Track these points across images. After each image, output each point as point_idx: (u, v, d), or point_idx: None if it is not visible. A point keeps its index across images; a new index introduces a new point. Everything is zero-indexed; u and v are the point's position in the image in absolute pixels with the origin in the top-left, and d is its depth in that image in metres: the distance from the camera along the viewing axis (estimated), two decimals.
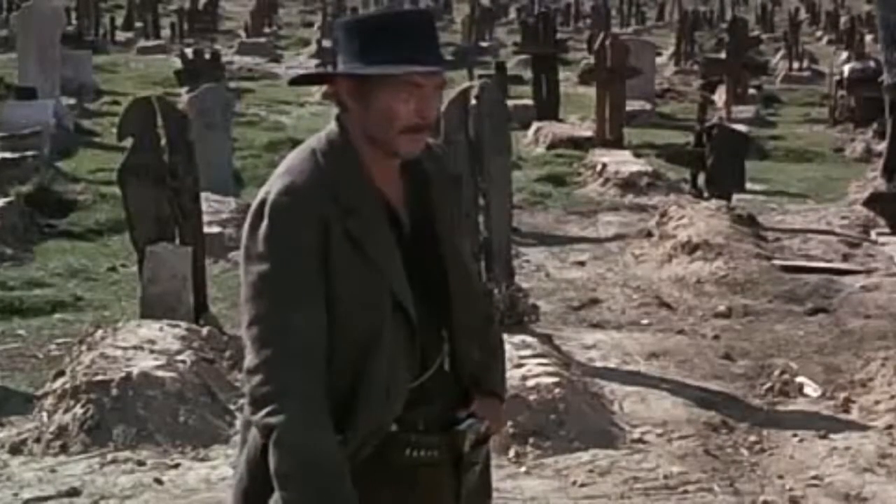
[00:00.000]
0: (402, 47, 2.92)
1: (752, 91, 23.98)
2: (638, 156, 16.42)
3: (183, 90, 18.26)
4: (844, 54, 28.54)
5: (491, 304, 3.49)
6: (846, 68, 20.91)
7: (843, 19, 41.17)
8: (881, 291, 10.31)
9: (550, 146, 17.83)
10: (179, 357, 7.41)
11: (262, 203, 2.91)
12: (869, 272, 10.98)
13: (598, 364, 8.39)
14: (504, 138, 8.95)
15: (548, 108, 19.60)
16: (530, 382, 7.12)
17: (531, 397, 6.99)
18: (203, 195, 9.39)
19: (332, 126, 3.02)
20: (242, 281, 2.93)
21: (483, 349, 3.20)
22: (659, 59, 29.71)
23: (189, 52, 20.99)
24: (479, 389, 3.16)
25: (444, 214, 3.11)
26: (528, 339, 7.96)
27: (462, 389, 3.12)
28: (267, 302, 2.87)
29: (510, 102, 20.91)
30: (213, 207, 11.48)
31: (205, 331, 8.03)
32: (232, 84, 22.52)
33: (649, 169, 15.27)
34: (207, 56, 19.73)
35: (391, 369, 2.93)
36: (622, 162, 15.64)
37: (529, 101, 20.29)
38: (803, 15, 46.89)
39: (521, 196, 13.43)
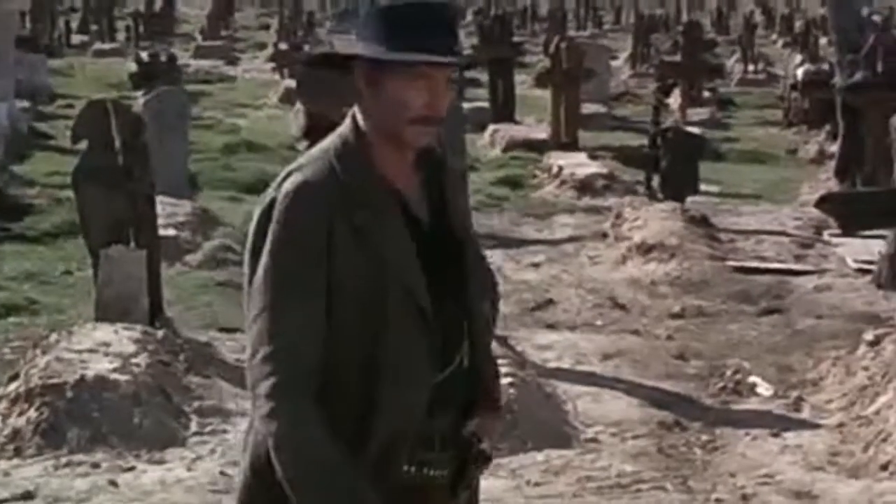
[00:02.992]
0: (420, 37, 2.90)
1: (707, 94, 24.15)
2: (593, 158, 16.51)
3: (139, 93, 18.20)
4: (799, 57, 28.75)
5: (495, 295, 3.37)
6: (800, 71, 21.07)
7: (797, 23, 41.46)
8: (833, 292, 10.41)
9: (506, 148, 17.91)
10: (134, 360, 7.39)
11: (272, 201, 2.91)
12: (821, 273, 11.08)
13: (553, 365, 8.44)
14: (459, 140, 8.99)
15: (504, 110, 19.68)
16: None
17: None
18: (158, 198, 9.37)
19: (346, 121, 3.00)
20: (246, 277, 2.93)
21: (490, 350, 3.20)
22: (615, 62, 29.90)
23: (144, 55, 20.91)
24: (483, 397, 3.10)
25: (458, 207, 3.10)
26: None
27: (477, 389, 3.08)
28: (269, 300, 2.87)
29: (466, 105, 21.03)
30: (169, 210, 11.44)
31: (160, 333, 8.02)
32: (188, 87, 22.44)
33: (605, 171, 15.37)
34: (163, 59, 19.65)
35: (405, 361, 2.90)
36: (578, 164, 15.72)
37: (485, 104, 20.35)
38: (759, 18, 47.20)
39: (477, 198, 13.47)
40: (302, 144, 17.40)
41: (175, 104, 13.73)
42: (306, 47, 22.41)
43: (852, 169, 13.80)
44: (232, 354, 8.34)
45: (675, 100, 21.68)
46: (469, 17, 46.21)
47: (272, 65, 28.95)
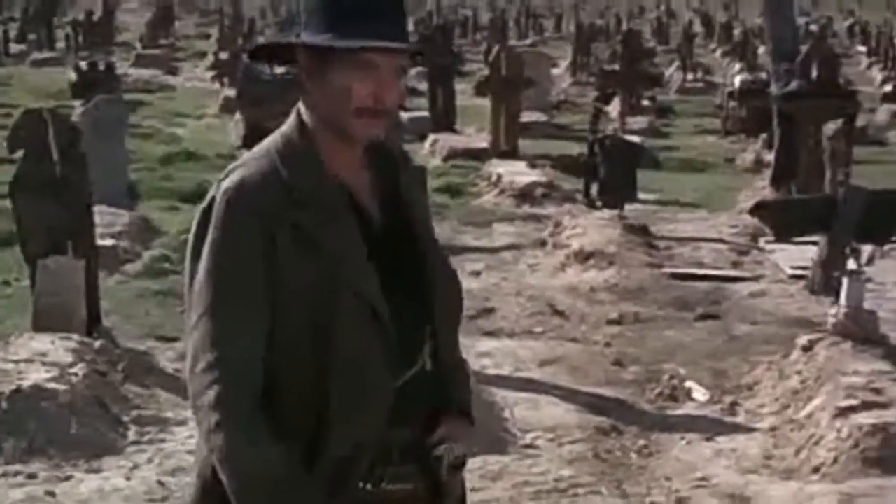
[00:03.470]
0: (365, 24, 2.76)
1: (646, 102, 24.32)
2: (533, 166, 16.60)
3: (77, 102, 18.12)
4: (737, 66, 29.04)
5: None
6: (737, 80, 21.29)
7: (736, 31, 41.83)
8: (768, 298, 10.54)
9: (447, 157, 17.96)
10: (72, 370, 7.38)
11: (211, 201, 2.76)
12: (756, 279, 11.21)
13: (492, 371, 8.49)
14: (396, 146, 9.01)
15: (444, 119, 19.75)
16: None
17: None
18: (97, 208, 9.36)
19: (291, 117, 2.85)
20: (186, 282, 2.80)
21: (456, 352, 3.00)
22: (555, 71, 30.06)
23: (83, 64, 20.83)
24: (448, 408, 2.91)
25: (416, 205, 2.95)
26: None
27: (440, 396, 2.89)
28: (207, 306, 2.73)
29: (407, 114, 21.09)
30: (108, 220, 11.41)
31: (97, 343, 8.00)
32: (128, 96, 22.36)
33: (544, 179, 15.46)
34: (102, 68, 19.58)
35: (360, 366, 2.74)
36: (517, 172, 15.80)
37: (426, 113, 20.42)
38: (698, 27, 47.62)
39: None
40: (241, 153, 17.41)
41: (113, 113, 13.70)
42: (246, 56, 22.33)
43: (788, 177, 13.96)
44: (170, 364, 8.35)
45: (614, 108, 21.82)
46: (411, 27, 46.35)
47: (212, 74, 28.89)
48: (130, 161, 15.22)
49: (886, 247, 11.57)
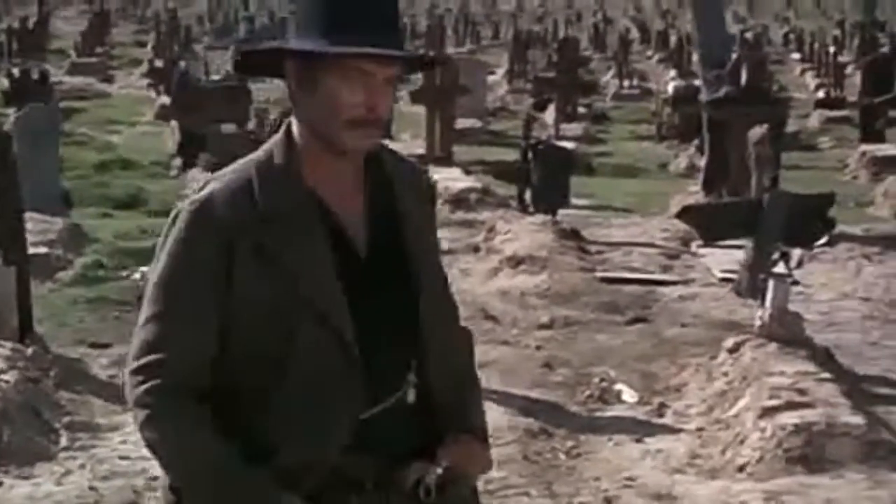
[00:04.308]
0: (358, 31, 2.63)
1: (582, 109, 24.51)
2: (468, 173, 16.71)
3: (10, 110, 18.04)
4: (672, 73, 29.33)
5: (468, 333, 2.96)
6: (671, 86, 21.51)
7: (672, 39, 42.17)
8: (697, 301, 10.67)
9: None
10: (3, 376, 7.38)
11: (177, 213, 2.71)
12: (687, 283, 11.35)
13: None
14: None
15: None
16: None
17: None
18: (29, 215, 9.35)
19: (280, 130, 2.75)
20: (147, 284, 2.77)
21: (458, 382, 2.85)
22: (492, 78, 30.19)
23: (16, 71, 20.72)
24: (452, 429, 2.79)
25: (413, 228, 2.77)
26: None
27: (429, 428, 2.76)
28: (152, 313, 2.67)
29: None
30: (40, 227, 11.40)
31: (29, 350, 8.00)
32: (62, 104, 22.27)
33: (479, 185, 15.57)
34: (35, 76, 19.50)
35: (312, 390, 2.64)
36: (452, 179, 15.90)
37: None
38: (635, 34, 47.93)
39: None
40: (176, 161, 17.41)
41: (45, 120, 13.66)
42: (182, 64, 22.31)
43: (718, 181, 14.14)
44: (103, 370, 8.37)
45: (550, 115, 21.98)
46: None
47: (148, 81, 28.79)
48: (64, 168, 15.17)
49: (815, 250, 11.78)
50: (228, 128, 15.80)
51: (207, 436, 2.64)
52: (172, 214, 2.71)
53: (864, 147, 19.31)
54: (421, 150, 18.28)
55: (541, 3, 65.74)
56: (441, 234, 11.36)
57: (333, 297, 2.66)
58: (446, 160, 17.52)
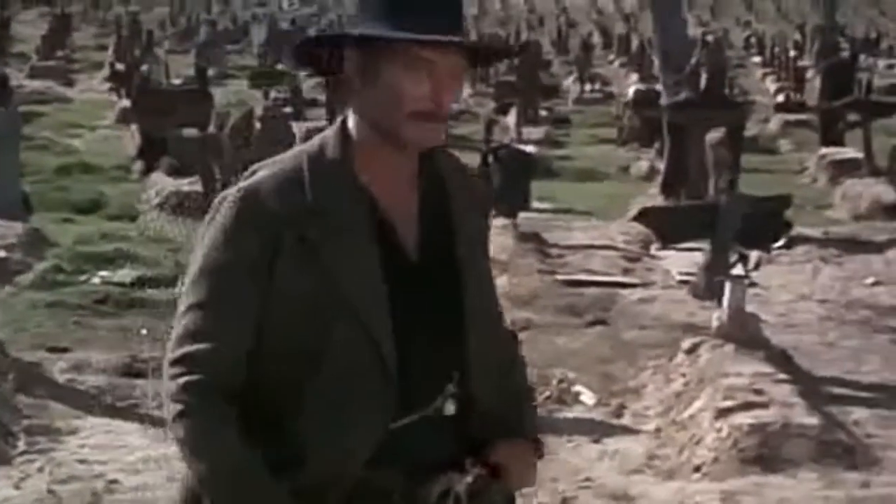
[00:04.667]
0: (424, 17, 2.50)
1: (544, 113, 24.58)
2: None
3: None
4: (634, 77, 29.46)
5: (517, 344, 2.84)
6: (631, 90, 21.61)
7: (634, 43, 42.33)
8: (656, 303, 10.73)
9: None
10: None
11: (223, 199, 2.58)
12: (646, 285, 11.41)
13: None
14: None
15: None
16: None
17: None
18: None
19: (336, 122, 2.63)
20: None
21: (505, 395, 2.71)
22: None
23: None
24: (500, 436, 2.67)
25: (465, 233, 2.64)
26: None
27: (468, 440, 2.63)
28: (191, 302, 2.57)
29: (305, 125, 21.13)
30: (0, 231, 11.37)
31: None
32: (23, 108, 22.17)
33: None
34: None
35: (342, 396, 2.53)
36: None
37: (324, 123, 20.48)
38: (597, 39, 48.11)
39: None
40: (137, 165, 17.38)
41: (5, 124, 13.63)
42: (144, 67, 22.27)
43: (677, 184, 14.23)
44: (62, 374, 8.36)
45: (511, 118, 22.03)
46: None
47: (109, 85, 28.71)
48: (24, 172, 15.12)
49: (773, 253, 11.87)
50: (190, 131, 15.76)
51: (234, 444, 2.52)
52: (217, 201, 2.59)
53: (824, 150, 19.46)
54: None
55: (503, 6, 65.91)
56: None
57: (373, 298, 2.53)
58: None
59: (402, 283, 2.55)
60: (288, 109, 21.54)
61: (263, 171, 2.57)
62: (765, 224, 9.33)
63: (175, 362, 2.56)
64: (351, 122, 2.59)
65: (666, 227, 9.01)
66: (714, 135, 11.71)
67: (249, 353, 2.57)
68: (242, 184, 2.56)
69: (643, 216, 8.92)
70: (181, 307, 2.59)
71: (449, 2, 2.56)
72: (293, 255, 2.52)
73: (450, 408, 2.58)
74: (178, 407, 2.54)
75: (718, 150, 11.09)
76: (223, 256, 2.55)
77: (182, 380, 2.54)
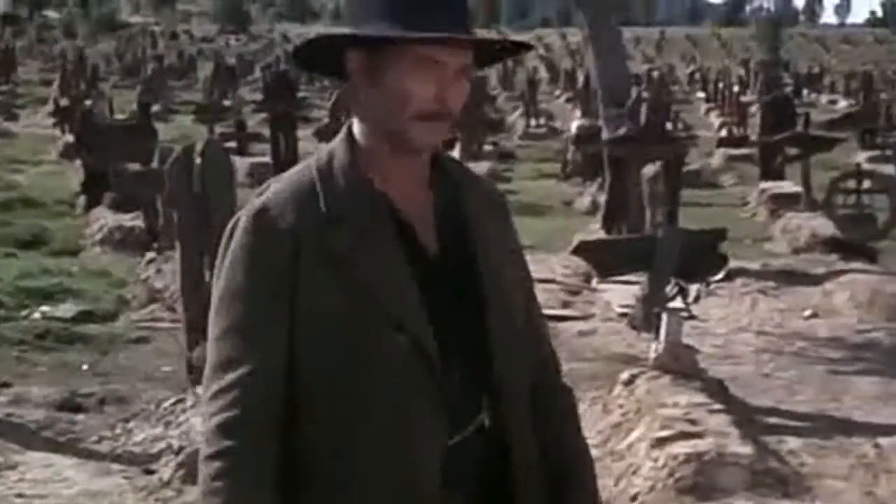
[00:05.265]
0: (429, 15, 2.40)
1: (489, 147, 24.72)
2: None
3: None
4: (579, 112, 29.65)
5: (557, 365, 2.73)
6: (574, 125, 21.77)
7: (580, 78, 42.67)
8: (596, 336, 10.82)
9: None
10: None
11: (237, 221, 2.47)
12: (586, 318, 11.50)
13: None
14: (229, 193, 9.12)
15: (286, 165, 19.84)
16: None
17: None
18: None
19: (342, 130, 2.53)
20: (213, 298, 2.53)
21: (542, 420, 2.60)
22: None
23: None
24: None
25: (483, 236, 2.54)
26: None
27: (503, 458, 2.50)
28: (221, 329, 2.44)
29: (250, 160, 21.17)
30: None
31: None
32: None
33: None
34: None
35: (403, 419, 2.39)
36: None
37: (268, 159, 20.52)
38: (543, 74, 48.43)
39: None
40: (80, 200, 17.33)
41: None
42: (88, 102, 22.22)
43: (618, 218, 14.35)
44: (2, 409, 8.34)
45: (456, 153, 22.14)
46: (257, 73, 46.38)
47: (53, 120, 28.63)
48: None
49: (713, 285, 12.00)
50: (133, 166, 15.76)
51: (266, 495, 2.39)
52: (231, 224, 2.48)
53: (764, 184, 19.69)
54: None
55: None
56: None
57: (411, 304, 2.41)
58: None
59: (430, 286, 2.44)
60: (232, 144, 21.57)
61: (272, 187, 2.48)
62: (701, 257, 9.44)
63: (212, 398, 2.42)
64: (356, 128, 2.50)
65: (603, 260, 9.12)
66: (650, 169, 11.85)
67: (287, 383, 2.42)
68: (254, 201, 2.46)
69: (580, 249, 9.03)
70: (211, 335, 2.48)
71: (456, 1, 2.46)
72: (318, 268, 2.39)
73: (487, 420, 2.47)
74: (211, 449, 2.40)
75: (654, 184, 11.22)
76: (245, 277, 2.43)
77: (219, 418, 2.40)
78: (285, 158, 19.95)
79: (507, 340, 2.50)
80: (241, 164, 21.21)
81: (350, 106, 2.57)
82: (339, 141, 2.50)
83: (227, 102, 33.70)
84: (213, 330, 2.47)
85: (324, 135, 19.22)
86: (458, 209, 2.53)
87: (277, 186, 2.47)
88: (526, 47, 2.59)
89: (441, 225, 2.50)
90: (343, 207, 2.42)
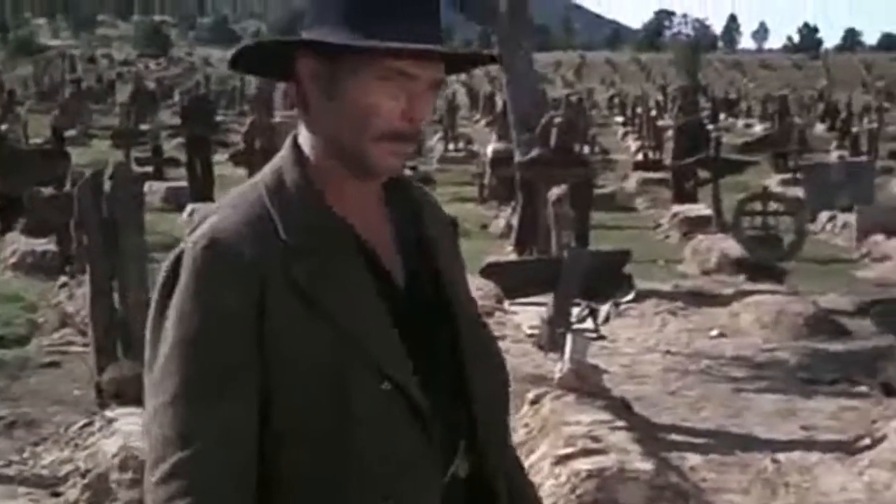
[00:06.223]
0: (400, 21, 2.09)
1: (408, 171, 24.83)
2: None
3: None
4: (496, 136, 29.85)
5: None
6: (489, 149, 21.97)
7: (499, 102, 42.95)
8: (508, 356, 10.77)
9: None
10: None
11: (176, 261, 2.08)
12: (499, 339, 11.59)
13: None
14: (138, 217, 9.17)
15: (203, 189, 19.88)
16: None
17: None
18: None
19: (286, 145, 2.20)
20: (147, 357, 2.10)
21: (510, 456, 2.40)
22: None
23: None
24: None
25: (444, 260, 2.27)
26: None
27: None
28: (172, 393, 2.03)
29: (166, 184, 21.16)
30: None
31: None
32: None
33: None
34: None
35: (393, 460, 2.10)
36: None
37: (184, 183, 20.53)
38: (463, 99, 48.72)
39: None
40: None
41: None
42: (3, 127, 22.13)
43: (529, 239, 14.53)
44: None
45: None
46: (177, 97, 46.26)
47: None
48: None
49: (622, 306, 12.18)
50: (47, 191, 15.71)
51: None
52: (172, 259, 2.11)
53: (677, 207, 19.98)
54: None
55: None
56: None
57: (390, 342, 2.12)
58: None
59: (402, 323, 2.15)
60: (148, 169, 21.56)
61: (215, 216, 2.12)
62: (607, 278, 9.61)
63: (160, 483, 2.02)
64: (305, 142, 2.17)
65: (510, 282, 9.25)
66: (555, 191, 12.01)
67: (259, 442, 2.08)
68: (200, 232, 2.09)
69: (488, 272, 9.16)
70: (151, 404, 2.06)
71: (428, 6, 2.14)
72: (284, 307, 2.06)
73: (463, 468, 2.22)
74: None
75: (559, 206, 11.38)
76: (199, 324, 2.04)
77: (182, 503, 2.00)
78: (201, 182, 19.98)
79: (485, 382, 2.26)
80: (157, 188, 21.25)
81: (298, 115, 2.19)
82: (285, 158, 2.17)
83: (145, 127, 33.56)
84: (159, 392, 2.05)
85: (239, 159, 19.21)
86: (416, 232, 2.26)
87: (223, 214, 2.11)
88: (495, 60, 2.35)
89: (403, 250, 2.23)
90: (305, 236, 2.09)
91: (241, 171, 20.84)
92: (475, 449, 2.22)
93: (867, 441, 8.22)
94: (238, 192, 2.17)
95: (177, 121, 30.49)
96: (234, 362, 2.04)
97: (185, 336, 2.04)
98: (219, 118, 31.08)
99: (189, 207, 19.24)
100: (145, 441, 2.07)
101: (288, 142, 2.20)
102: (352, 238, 2.14)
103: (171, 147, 25.67)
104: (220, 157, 22.01)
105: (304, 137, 2.17)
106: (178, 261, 2.08)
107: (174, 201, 19.75)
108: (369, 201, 2.20)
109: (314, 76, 2.13)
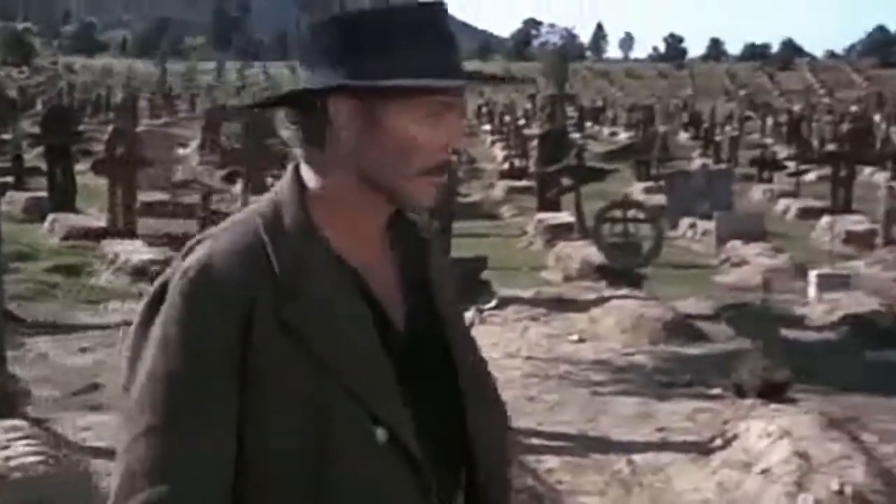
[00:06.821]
0: (428, 54, 2.02)
1: (272, 181, 24.73)
2: (151, 245, 16.72)
3: None
4: None
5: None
6: None
7: None
8: None
9: (65, 237, 17.90)
10: None
11: (164, 286, 2.02)
12: None
13: (93, 444, 8.58)
14: None
15: (64, 199, 19.61)
16: (13, 462, 7.27)
17: (14, 475, 7.15)
18: None
19: (285, 178, 2.11)
20: (125, 373, 2.04)
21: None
22: (184, 151, 30.21)
23: None
24: None
25: (447, 303, 2.20)
26: (19, 422, 8.11)
27: None
28: (149, 424, 1.96)
29: (27, 195, 20.84)
30: None
31: None
32: None
33: (161, 257, 15.59)
34: None
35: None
36: (134, 251, 15.91)
37: (45, 193, 20.23)
38: None
39: (26, 286, 13.49)
40: None
41: None
42: None
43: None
44: None
45: (240, 187, 22.12)
46: (39, 106, 45.59)
47: None
48: None
49: (486, 313, 12.28)
50: None
51: None
52: (156, 287, 2.04)
53: (540, 215, 20.19)
54: (104, 223, 18.22)
55: (239, 76, 66.05)
56: (119, 305, 11.37)
57: (386, 392, 2.03)
58: (129, 233, 17.48)
59: (401, 367, 2.06)
60: (9, 178, 21.22)
61: (207, 244, 2.04)
62: (464, 284, 9.68)
63: None
64: (310, 174, 2.09)
65: None
66: None
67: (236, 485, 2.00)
68: (193, 259, 2.01)
69: None
70: (127, 435, 1.99)
71: (448, 31, 2.07)
72: (273, 346, 1.98)
73: (460, 502, 2.16)
74: None
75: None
76: (182, 355, 1.97)
77: None
78: (62, 191, 19.70)
79: (486, 426, 2.17)
80: (17, 198, 20.93)
81: (303, 148, 2.09)
82: (285, 190, 2.09)
83: (5, 136, 32.98)
84: (138, 423, 1.97)
85: (100, 168, 18.97)
86: (421, 273, 2.18)
87: (216, 244, 2.02)
88: (508, 80, 2.39)
89: (405, 291, 2.14)
90: (301, 275, 2.01)
91: (103, 181, 20.67)
92: (474, 495, 2.16)
93: (719, 441, 8.39)
94: (232, 221, 2.10)
95: (38, 130, 30.06)
96: (213, 398, 1.96)
97: (166, 366, 1.97)
98: (82, 127, 30.65)
99: (50, 217, 18.98)
100: (116, 469, 1.99)
101: (289, 175, 2.11)
102: (352, 279, 2.06)
103: (33, 156, 25.27)
104: (82, 166, 21.74)
105: (314, 172, 2.09)
106: (163, 287, 2.02)
107: (35, 211, 19.47)
108: (376, 241, 2.12)
109: (353, 114, 2.04)
